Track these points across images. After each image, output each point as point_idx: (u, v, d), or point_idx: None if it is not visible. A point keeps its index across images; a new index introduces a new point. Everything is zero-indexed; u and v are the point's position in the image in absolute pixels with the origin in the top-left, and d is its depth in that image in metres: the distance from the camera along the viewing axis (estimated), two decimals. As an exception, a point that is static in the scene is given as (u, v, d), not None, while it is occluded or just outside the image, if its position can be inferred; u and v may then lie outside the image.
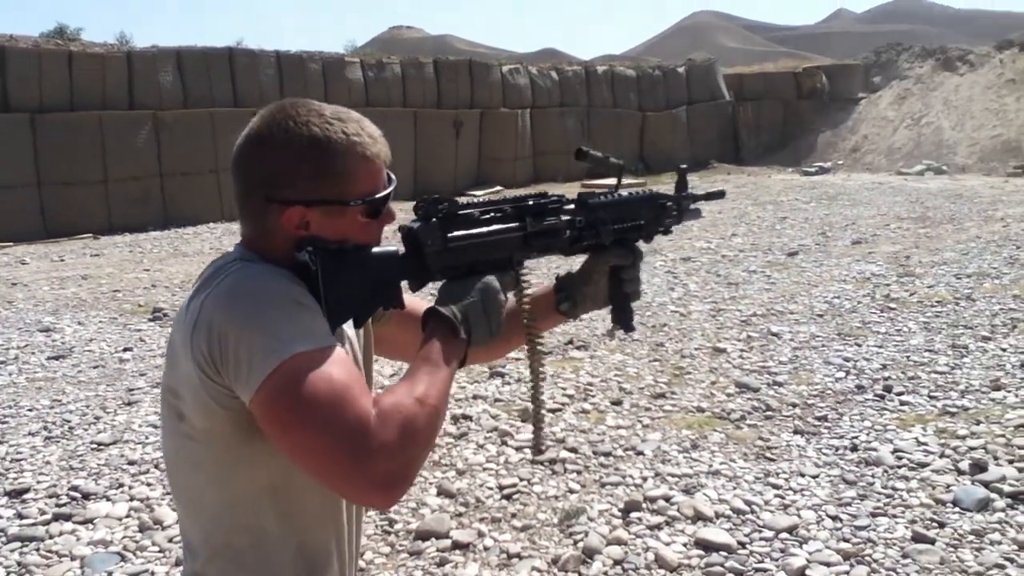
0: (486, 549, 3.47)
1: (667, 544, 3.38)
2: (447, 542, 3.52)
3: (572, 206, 1.46)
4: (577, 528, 3.56)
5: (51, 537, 3.70)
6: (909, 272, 8.39)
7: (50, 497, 4.10)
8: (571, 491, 3.94)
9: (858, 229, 11.40)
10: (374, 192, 1.25)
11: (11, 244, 13.62)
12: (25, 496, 4.12)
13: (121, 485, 4.22)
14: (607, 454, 4.31)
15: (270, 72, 17.61)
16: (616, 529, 3.53)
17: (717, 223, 12.44)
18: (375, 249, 1.27)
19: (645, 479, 3.99)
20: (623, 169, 1.54)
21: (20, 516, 3.92)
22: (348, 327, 1.32)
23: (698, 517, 3.57)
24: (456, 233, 1.30)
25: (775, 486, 3.83)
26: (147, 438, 4.82)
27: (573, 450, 4.38)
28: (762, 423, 4.63)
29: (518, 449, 4.44)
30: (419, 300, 1.44)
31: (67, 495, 4.11)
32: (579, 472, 4.14)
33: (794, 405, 4.86)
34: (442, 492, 3.99)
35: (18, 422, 5.20)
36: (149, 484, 4.22)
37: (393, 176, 1.31)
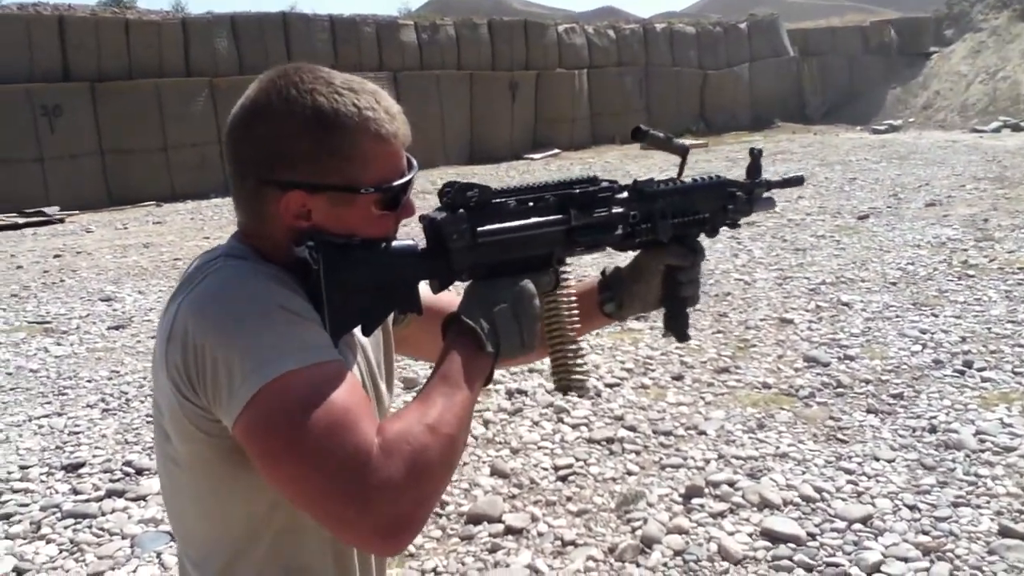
0: (540, 535, 3.33)
1: (731, 534, 3.20)
2: (499, 527, 3.40)
3: (626, 195, 1.25)
4: (635, 514, 3.40)
5: (103, 514, 3.67)
6: (988, 236, 7.96)
7: (104, 472, 4.08)
8: (629, 473, 3.78)
9: (932, 190, 10.89)
10: (390, 179, 1.05)
11: (77, 212, 13.85)
12: (80, 471, 4.12)
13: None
14: (667, 433, 4.13)
15: (324, 36, 17.53)
16: (676, 516, 3.35)
17: (781, 185, 12.01)
18: (393, 244, 1.08)
19: (708, 461, 3.81)
20: (687, 151, 1.33)
21: (75, 492, 3.91)
22: (359, 332, 1.14)
23: (764, 504, 3.38)
24: (487, 227, 1.09)
25: (847, 471, 3.61)
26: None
27: (632, 428, 4.21)
28: (833, 401, 4.39)
29: (574, 427, 4.28)
30: (445, 294, 1.20)
31: (121, 470, 4.09)
32: (638, 453, 3.96)
33: (867, 381, 4.61)
34: (495, 472, 3.86)
35: (77, 393, 5.22)
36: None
37: (414, 161, 1.11)
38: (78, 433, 4.58)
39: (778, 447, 3.88)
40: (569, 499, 3.60)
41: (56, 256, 10.19)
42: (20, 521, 3.65)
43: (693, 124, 22.05)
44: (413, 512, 0.92)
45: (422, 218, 1.10)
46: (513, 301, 1.09)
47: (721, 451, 3.89)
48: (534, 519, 3.45)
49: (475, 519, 3.47)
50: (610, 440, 4.09)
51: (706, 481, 3.59)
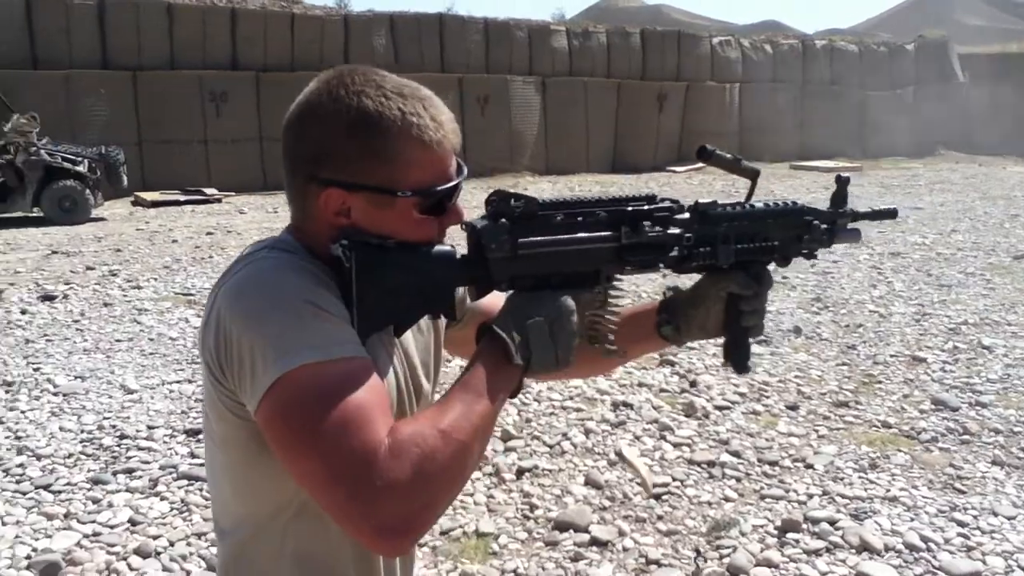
0: (625, 550, 3.29)
1: (823, 574, 3.06)
2: (585, 536, 3.37)
3: (687, 215, 1.20)
4: (726, 541, 3.30)
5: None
6: None
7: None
8: (726, 499, 3.67)
9: (1104, 233, 10.07)
10: (431, 184, 1.05)
11: (233, 193, 14.65)
12: (199, 436, 4.34)
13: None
14: (773, 463, 3.99)
15: (477, 38, 17.87)
16: (768, 549, 3.23)
17: (937, 216, 11.42)
18: (430, 249, 1.07)
19: (811, 496, 3.65)
20: (757, 174, 1.27)
21: (192, 455, 4.13)
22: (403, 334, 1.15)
23: (864, 548, 3.21)
24: (529, 239, 1.07)
25: (960, 523, 3.39)
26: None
27: (736, 454, 4.09)
28: (956, 448, 4.13)
29: (676, 446, 4.20)
30: (498, 296, 1.17)
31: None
32: (739, 479, 3.85)
33: (997, 431, 4.31)
34: (589, 482, 3.83)
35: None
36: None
37: (464, 168, 1.11)
38: (203, 400, 4.84)
39: (888, 490, 3.68)
40: (660, 518, 3.53)
41: (208, 234, 10.81)
42: (140, 477, 3.89)
43: (849, 146, 21.21)
44: (416, 515, 0.92)
45: (465, 225, 1.09)
46: (550, 316, 1.06)
47: (827, 487, 3.72)
48: (621, 533, 3.40)
49: (562, 526, 3.45)
50: (711, 463, 3.99)
51: (805, 516, 3.44)
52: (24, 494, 3.70)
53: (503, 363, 1.03)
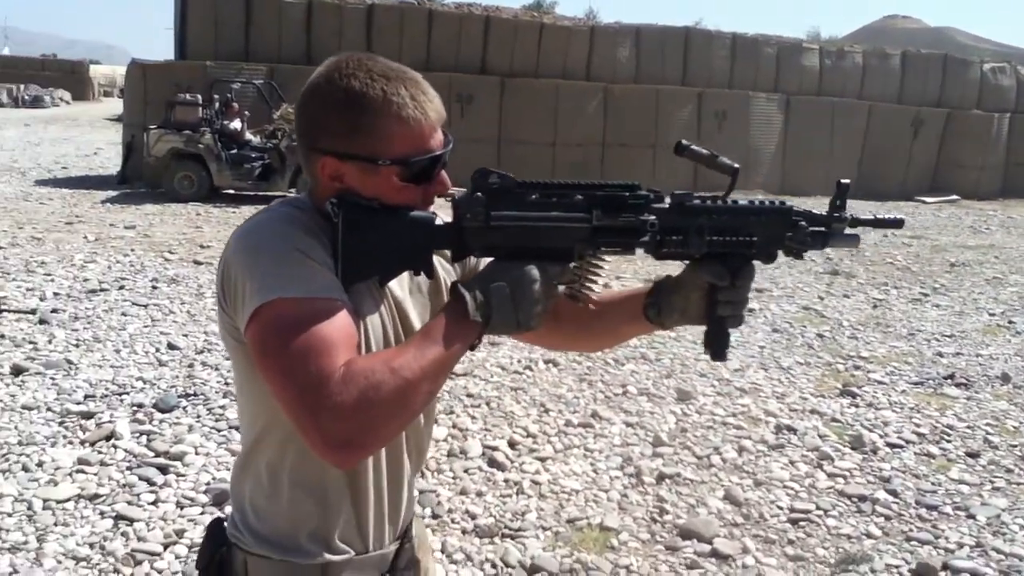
0: (744, 567, 3.26)
1: (946, 624, 2.89)
2: (707, 547, 3.37)
3: (663, 205, 1.27)
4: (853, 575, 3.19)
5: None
6: None
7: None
8: (868, 535, 3.53)
9: None
10: (411, 155, 1.20)
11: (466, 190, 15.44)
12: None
13: (452, 412, 4.65)
14: (932, 508, 3.77)
15: (723, 53, 17.63)
16: (894, 589, 3.09)
17: None
18: (411, 213, 1.23)
19: (961, 546, 3.42)
20: (736, 171, 1.31)
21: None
22: (394, 284, 1.31)
23: (1003, 607, 2.99)
24: (502, 213, 1.20)
25: None
26: (492, 376, 5.24)
27: (894, 493, 3.89)
28: None
29: (831, 476, 4.07)
30: None
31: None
32: (888, 518, 3.67)
33: None
34: (728, 497, 3.81)
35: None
36: (473, 417, 4.61)
37: (451, 141, 1.26)
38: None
39: (1055, 554, 3.38)
40: (791, 542, 3.46)
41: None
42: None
43: None
44: (359, 435, 1.07)
45: (449, 195, 1.25)
46: (513, 282, 1.18)
47: (982, 539, 3.47)
48: (745, 550, 3.38)
49: (686, 534, 3.48)
50: (863, 498, 3.83)
51: (944, 564, 3.25)
52: (219, 431, 4.23)
53: (463, 318, 1.16)
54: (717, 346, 1.35)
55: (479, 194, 1.21)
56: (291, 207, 1.26)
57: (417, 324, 1.34)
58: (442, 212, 1.28)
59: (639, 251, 1.29)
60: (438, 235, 1.24)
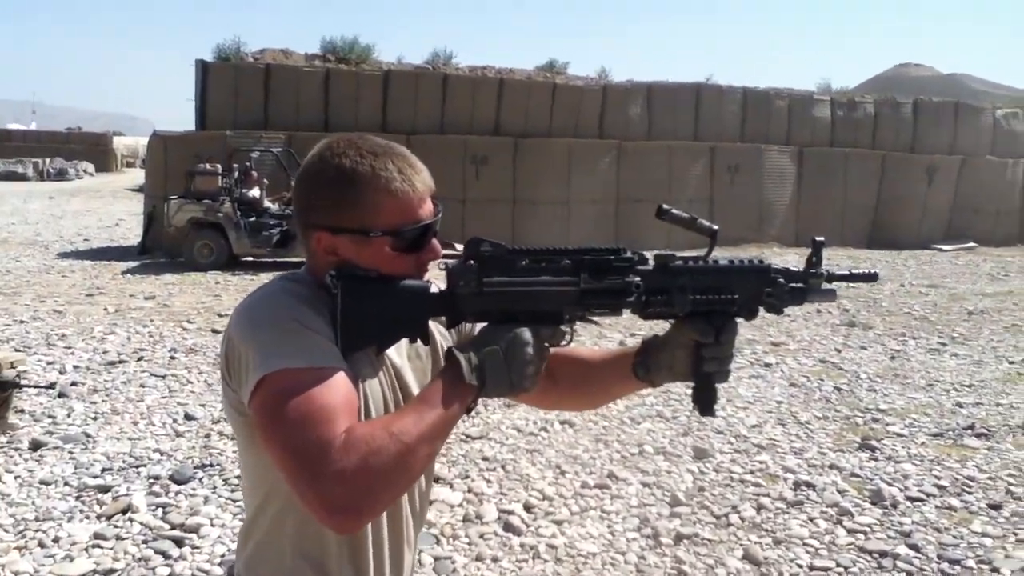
0: (763, 629, 3.22)
1: None
2: (725, 610, 3.33)
3: (648, 267, 1.33)
4: (874, 636, 3.13)
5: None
6: None
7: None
8: (890, 593, 3.47)
9: None
10: (402, 226, 1.26)
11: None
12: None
13: (467, 476, 4.65)
14: (955, 562, 3.71)
15: (734, 108, 17.82)
16: (917, 650, 3.03)
17: None
18: (406, 282, 1.28)
19: (986, 603, 3.37)
20: (715, 233, 1.36)
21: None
22: (392, 351, 1.36)
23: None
24: (494, 279, 1.27)
25: None
26: (507, 439, 5.23)
27: (915, 547, 3.83)
28: None
29: (851, 531, 4.01)
30: None
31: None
32: (910, 574, 3.62)
33: None
34: (747, 557, 3.77)
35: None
36: (489, 481, 4.59)
37: (439, 209, 1.32)
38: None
39: (1083, 610, 3.31)
40: (811, 602, 3.41)
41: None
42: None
43: None
44: (360, 500, 1.10)
45: (443, 264, 1.31)
46: (506, 345, 1.23)
47: (1007, 597, 3.41)
48: (764, 612, 3.33)
49: (704, 596, 3.43)
50: (883, 554, 3.78)
51: (968, 623, 3.19)
52: (235, 501, 4.24)
53: (459, 382, 1.21)
54: (705, 402, 1.39)
55: (471, 262, 1.27)
56: (289, 281, 1.31)
57: (415, 390, 1.38)
58: (437, 280, 1.34)
59: (626, 312, 1.34)
60: (433, 302, 1.30)
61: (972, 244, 17.88)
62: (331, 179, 1.27)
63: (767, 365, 7.28)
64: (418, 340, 1.32)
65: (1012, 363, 7.55)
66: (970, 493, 4.49)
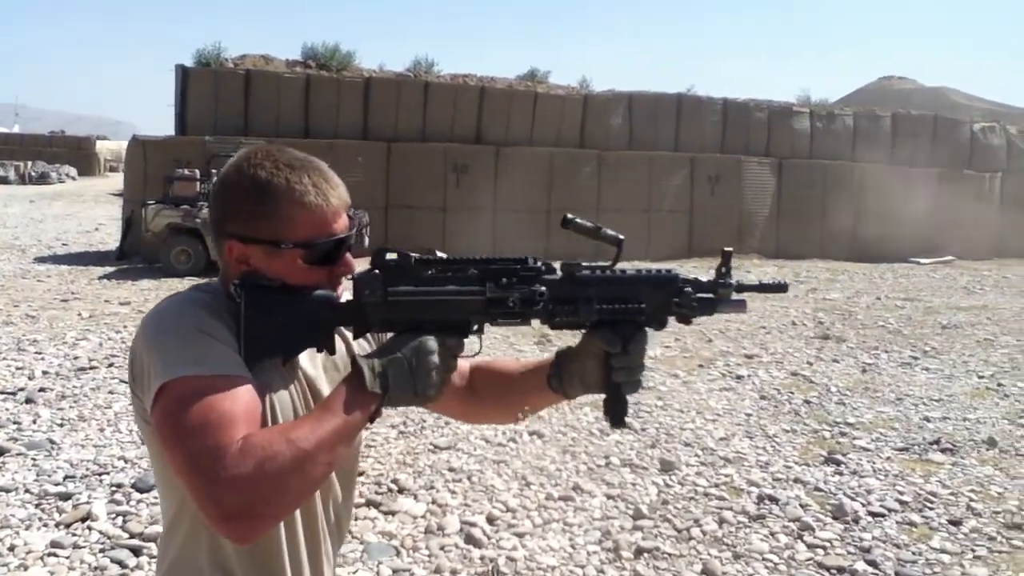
0: (717, 644, 3.22)
1: None
2: (681, 625, 3.34)
3: (555, 277, 1.33)
4: (826, 652, 3.15)
5: (355, 519, 4.20)
6: None
7: (375, 483, 4.65)
8: (846, 609, 3.49)
9: None
10: (314, 239, 1.26)
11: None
12: (359, 477, 4.72)
13: (432, 487, 4.64)
14: (911, 579, 3.73)
15: (714, 119, 17.93)
16: (867, 666, 3.05)
17: None
18: (313, 293, 1.28)
19: (939, 619, 3.39)
20: (621, 243, 1.37)
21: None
22: (306, 362, 1.36)
23: None
24: (398, 288, 1.27)
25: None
26: (475, 449, 5.23)
27: (873, 564, 3.85)
28: None
29: (811, 547, 4.03)
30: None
31: (388, 485, 4.63)
32: (867, 590, 3.64)
33: None
34: (706, 572, 3.78)
35: (387, 413, 5.95)
36: (453, 492, 4.59)
37: (356, 224, 1.32)
38: (372, 447, 5.25)
39: (1034, 626, 3.34)
40: (767, 618, 3.42)
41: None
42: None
43: None
44: (255, 507, 1.09)
45: (352, 276, 1.31)
46: (410, 353, 1.23)
47: (961, 613, 3.43)
48: (719, 627, 3.34)
49: (661, 610, 3.44)
50: (841, 569, 3.80)
51: (920, 639, 3.21)
52: (197, 509, 4.22)
53: (361, 390, 1.21)
54: (615, 412, 1.39)
55: (376, 271, 1.28)
56: (198, 291, 1.32)
57: (321, 390, 1.38)
58: (348, 293, 1.34)
59: (535, 321, 1.35)
60: (339, 312, 1.30)
61: (950, 257, 18.03)
62: (246, 190, 1.27)
63: (739, 377, 7.31)
64: (332, 350, 1.32)
65: (981, 378, 7.61)
66: (931, 509, 4.52)
